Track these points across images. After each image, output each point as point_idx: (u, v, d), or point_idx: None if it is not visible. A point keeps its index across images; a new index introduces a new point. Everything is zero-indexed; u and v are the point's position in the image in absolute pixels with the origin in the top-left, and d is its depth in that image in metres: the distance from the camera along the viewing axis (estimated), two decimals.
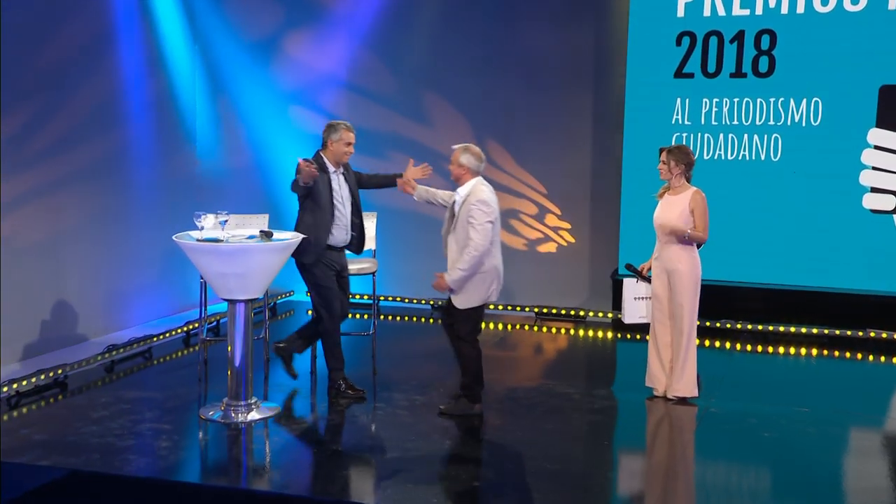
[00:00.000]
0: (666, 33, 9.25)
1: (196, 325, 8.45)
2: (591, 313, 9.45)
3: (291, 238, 6.36)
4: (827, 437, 6.16)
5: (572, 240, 10.14)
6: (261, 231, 6.42)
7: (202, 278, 7.26)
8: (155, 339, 8.08)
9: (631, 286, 6.93)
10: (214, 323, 8.71)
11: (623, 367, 8.08)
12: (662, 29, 9.24)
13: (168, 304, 9.25)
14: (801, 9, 8.87)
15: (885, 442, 6.23)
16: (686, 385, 6.70)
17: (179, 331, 8.38)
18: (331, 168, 6.62)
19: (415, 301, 9.90)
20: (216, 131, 10.14)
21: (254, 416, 6.33)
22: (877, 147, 8.80)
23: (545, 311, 9.51)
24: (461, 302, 6.26)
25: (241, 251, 6.09)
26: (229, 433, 6.09)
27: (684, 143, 9.21)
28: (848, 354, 8.31)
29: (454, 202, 6.35)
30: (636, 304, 6.91)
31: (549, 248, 10.22)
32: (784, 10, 8.90)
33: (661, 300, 6.74)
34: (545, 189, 10.20)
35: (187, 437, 6.02)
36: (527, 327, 9.23)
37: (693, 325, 6.67)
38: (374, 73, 10.36)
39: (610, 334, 8.98)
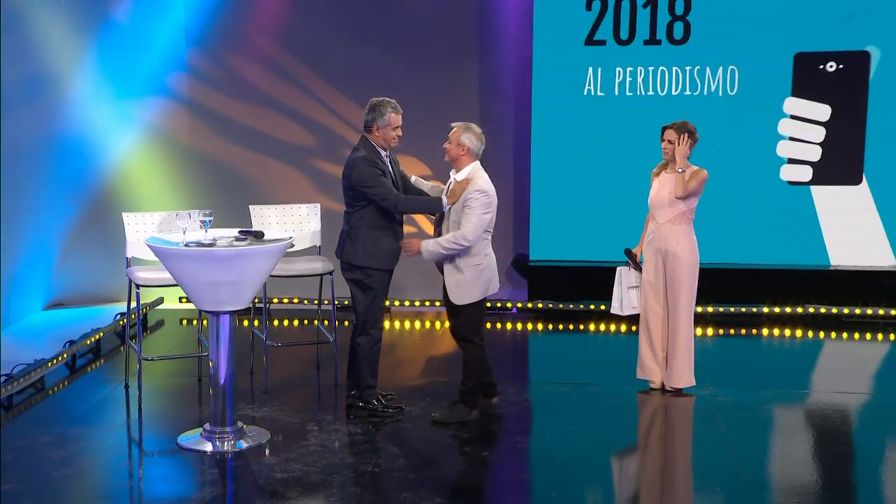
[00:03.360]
0: None
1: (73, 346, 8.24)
2: (518, 304, 9.96)
3: (287, 238, 6.44)
4: (861, 419, 7.15)
5: None
6: (243, 231, 6.45)
7: (138, 287, 7.15)
8: (49, 364, 7.77)
9: (625, 274, 7.47)
10: (94, 343, 8.50)
11: (594, 360, 8.60)
12: None
13: None
14: None
15: None
16: (685, 375, 7.36)
17: (66, 355, 8.09)
18: (383, 153, 6.76)
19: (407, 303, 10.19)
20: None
21: (245, 443, 6.37)
22: (793, 117, 9.85)
23: None
24: (459, 298, 6.64)
25: (239, 256, 6.12)
26: (239, 463, 6.13)
27: (596, 115, 9.91)
28: (777, 332, 9.36)
29: (448, 185, 6.70)
30: (630, 293, 7.47)
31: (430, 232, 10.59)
32: None
33: (656, 285, 7.35)
34: (429, 168, 10.56)
35: (193, 472, 5.98)
36: (445, 324, 9.58)
37: (691, 313, 7.32)
38: (232, 39, 10.39)
39: (541, 325, 9.54)
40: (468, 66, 10.40)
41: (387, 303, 9.26)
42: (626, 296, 7.47)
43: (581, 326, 9.51)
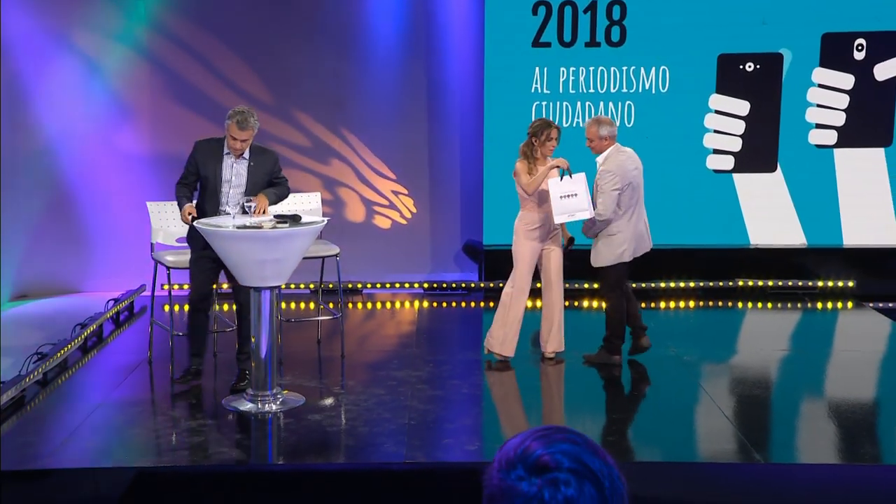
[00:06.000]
0: (522, 2, 10.90)
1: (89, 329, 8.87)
2: (472, 284, 10.96)
3: (322, 221, 7.30)
4: (810, 371, 8.36)
5: (403, 220, 11.50)
6: (279, 216, 7.25)
7: (168, 269, 7.89)
8: (67, 347, 8.41)
9: (555, 185, 8.05)
10: (98, 328, 9.11)
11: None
12: None
13: None
14: None
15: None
16: (562, 341, 8.33)
17: (81, 338, 8.71)
18: (226, 150, 7.44)
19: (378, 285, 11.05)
20: None
21: (284, 405, 7.20)
22: (717, 111, 11.08)
23: (435, 286, 10.90)
24: (593, 260, 7.94)
25: (286, 236, 6.96)
26: (289, 420, 6.96)
27: (543, 112, 10.97)
28: (711, 303, 10.60)
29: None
30: (562, 202, 8.13)
31: (386, 222, 11.51)
32: None
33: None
34: (381, 160, 11.45)
35: (251, 429, 6.81)
36: (416, 303, 10.57)
37: None
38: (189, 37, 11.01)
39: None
40: (417, 68, 11.33)
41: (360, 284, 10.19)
42: (557, 203, 7.96)
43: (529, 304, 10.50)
